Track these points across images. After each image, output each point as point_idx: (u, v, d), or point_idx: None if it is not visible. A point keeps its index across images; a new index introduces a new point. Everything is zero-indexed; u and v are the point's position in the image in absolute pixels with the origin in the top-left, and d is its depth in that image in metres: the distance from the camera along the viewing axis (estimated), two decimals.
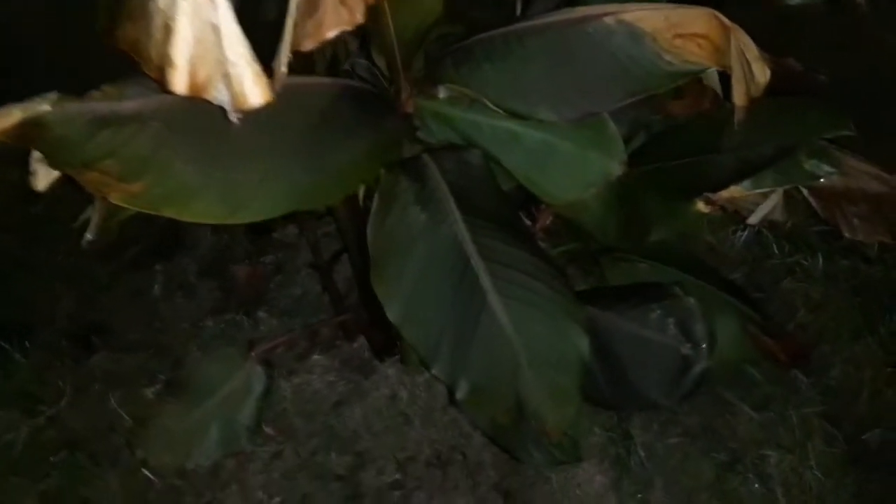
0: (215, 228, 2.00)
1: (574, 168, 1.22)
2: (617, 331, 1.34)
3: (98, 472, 1.50)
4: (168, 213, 0.79)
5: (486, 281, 1.22)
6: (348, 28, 0.70)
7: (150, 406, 1.61)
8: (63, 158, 0.74)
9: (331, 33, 0.69)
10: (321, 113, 1.01)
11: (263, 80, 0.62)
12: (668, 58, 0.96)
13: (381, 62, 1.11)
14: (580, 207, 1.25)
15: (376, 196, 1.22)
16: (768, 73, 0.92)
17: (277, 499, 1.52)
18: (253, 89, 0.61)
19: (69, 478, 1.49)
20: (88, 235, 0.95)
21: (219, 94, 0.62)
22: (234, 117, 0.64)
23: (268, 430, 1.59)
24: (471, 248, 1.22)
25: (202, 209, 0.82)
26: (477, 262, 1.22)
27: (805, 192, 1.10)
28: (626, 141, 1.25)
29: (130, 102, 0.82)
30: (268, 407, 1.60)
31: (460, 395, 1.23)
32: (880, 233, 1.13)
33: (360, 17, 0.69)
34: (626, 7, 0.97)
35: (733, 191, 1.03)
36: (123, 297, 1.87)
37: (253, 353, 1.60)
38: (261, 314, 1.83)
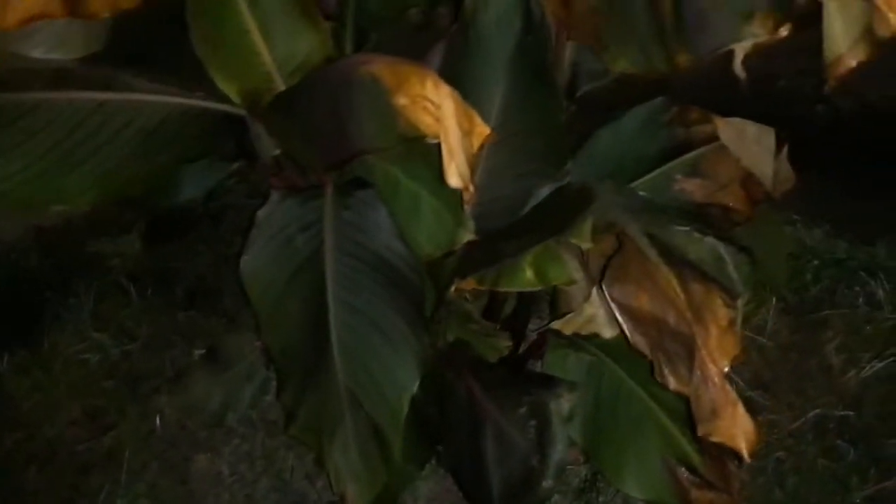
0: None
1: (433, 226, 1.13)
2: (487, 417, 1.19)
3: (125, 406, 1.79)
4: None
5: (334, 326, 1.19)
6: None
7: (190, 366, 1.85)
8: None
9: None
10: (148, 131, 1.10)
11: None
12: (400, 121, 0.85)
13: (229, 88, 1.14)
14: (440, 270, 1.14)
15: (258, 214, 1.27)
16: (476, 145, 0.77)
17: (235, 477, 1.65)
18: None
19: (105, 402, 1.80)
20: None
21: None
22: None
23: (252, 415, 1.73)
24: (332, 295, 1.21)
25: None
26: (334, 309, 1.20)
27: (614, 308, 0.86)
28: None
29: None
30: (262, 395, 1.74)
31: (291, 430, 1.23)
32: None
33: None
34: (378, 59, 0.88)
35: (469, 283, 0.84)
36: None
37: (257, 343, 1.75)
38: None
